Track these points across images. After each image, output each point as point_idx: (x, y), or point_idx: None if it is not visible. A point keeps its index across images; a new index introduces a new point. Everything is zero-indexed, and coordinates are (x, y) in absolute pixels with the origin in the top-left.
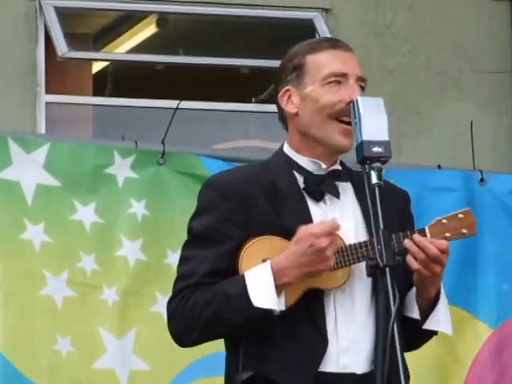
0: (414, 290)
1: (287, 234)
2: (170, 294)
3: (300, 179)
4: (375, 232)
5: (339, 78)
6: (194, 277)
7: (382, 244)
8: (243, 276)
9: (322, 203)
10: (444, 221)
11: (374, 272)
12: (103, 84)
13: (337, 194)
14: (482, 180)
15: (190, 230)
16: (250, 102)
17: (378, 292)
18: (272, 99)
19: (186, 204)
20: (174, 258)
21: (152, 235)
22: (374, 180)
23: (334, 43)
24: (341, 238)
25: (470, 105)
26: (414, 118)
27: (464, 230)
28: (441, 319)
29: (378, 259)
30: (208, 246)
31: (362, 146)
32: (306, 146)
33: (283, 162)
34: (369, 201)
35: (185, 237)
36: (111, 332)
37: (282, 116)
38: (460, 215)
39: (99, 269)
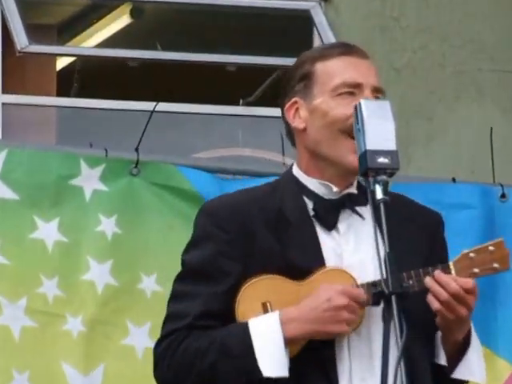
0: (439, 334)
1: (292, 270)
2: (143, 323)
3: (310, 205)
4: (378, 255)
5: (352, 89)
6: (187, 318)
7: (388, 268)
8: (247, 330)
9: (334, 232)
10: (471, 254)
11: (379, 301)
12: (69, 83)
13: (360, 215)
14: (503, 196)
15: (183, 263)
16: (238, 104)
17: (384, 323)
18: (280, 107)
19: (162, 221)
20: (148, 283)
21: (124, 256)
22: (379, 195)
23: (347, 49)
24: (351, 276)
25: (490, 109)
26: (425, 124)
27: (495, 265)
28: (473, 367)
29: (382, 286)
30: (202, 283)
31: (365, 156)
32: (315, 166)
33: (292, 185)
34: (372, 220)
35: (161, 258)
36: (75, 368)
37: (290, 132)
38: (490, 247)
39: (62, 295)
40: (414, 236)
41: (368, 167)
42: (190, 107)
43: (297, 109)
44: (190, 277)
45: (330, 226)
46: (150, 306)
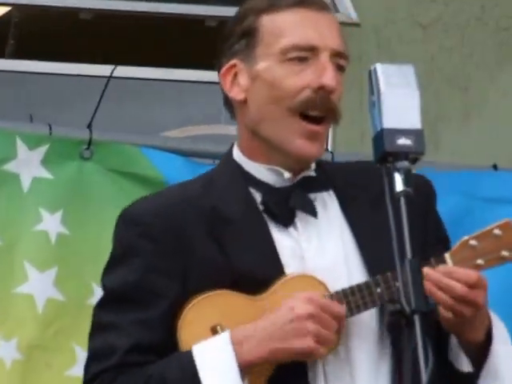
0: (453, 337)
1: (243, 282)
2: None
3: (257, 197)
4: (399, 262)
5: (305, 53)
6: (114, 356)
7: (410, 278)
8: (190, 353)
9: (291, 229)
10: (472, 242)
11: (396, 322)
12: (2, 40)
13: (312, 212)
14: None
15: (103, 287)
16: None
17: (401, 351)
18: (217, 70)
19: None
20: None
21: (71, 263)
22: (400, 187)
23: None
24: (323, 284)
25: None
26: (458, 96)
27: (504, 253)
28: (500, 369)
29: (402, 303)
30: (130, 309)
31: (381, 137)
32: (258, 148)
33: (232, 173)
34: (390, 216)
35: None
36: None
37: (228, 103)
38: (496, 231)
39: None
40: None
41: (385, 151)
42: (158, 72)
43: (235, 74)
44: (113, 303)
45: (286, 221)
46: None
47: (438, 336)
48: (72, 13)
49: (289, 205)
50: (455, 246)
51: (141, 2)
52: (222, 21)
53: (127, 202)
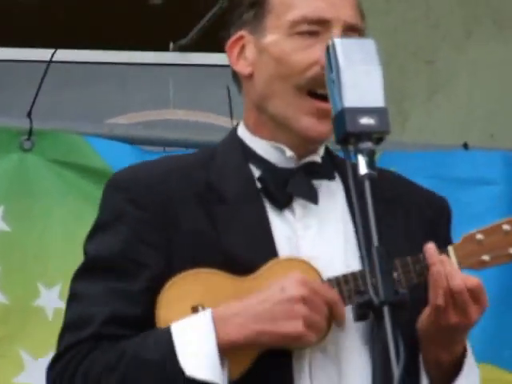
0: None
1: (231, 263)
2: (44, 353)
3: (257, 175)
4: (364, 249)
5: (315, 27)
6: (90, 326)
7: (377, 267)
8: (168, 330)
9: (287, 213)
10: (479, 236)
11: (366, 314)
12: None
13: (312, 198)
14: None
15: (85, 253)
16: (167, 49)
17: (372, 345)
18: (225, 42)
19: (66, 210)
20: (48, 298)
21: (14, 262)
22: (364, 170)
23: None
24: (315, 271)
25: None
26: (425, 70)
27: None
28: None
29: (370, 293)
30: (111, 278)
31: (342, 117)
32: (263, 124)
33: (235, 149)
34: (354, 201)
35: (66, 262)
36: None
37: (235, 76)
38: (505, 226)
39: None
40: (405, 224)
41: (347, 131)
42: (102, 55)
43: (243, 46)
44: (94, 271)
45: (281, 203)
46: (53, 330)
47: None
48: None
49: (286, 188)
50: (460, 239)
51: None
52: None
53: (74, 196)
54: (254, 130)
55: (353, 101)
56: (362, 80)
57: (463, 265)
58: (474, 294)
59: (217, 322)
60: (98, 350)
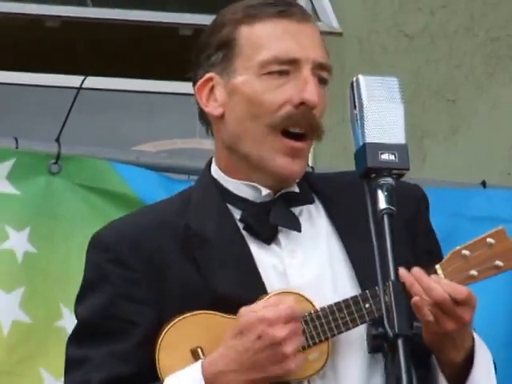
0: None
1: (222, 304)
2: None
3: (236, 214)
4: (381, 282)
5: (285, 67)
6: None
7: (393, 301)
8: None
9: (273, 245)
10: (465, 251)
11: (379, 345)
12: None
13: (295, 227)
14: None
15: (76, 317)
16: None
17: (387, 377)
18: (192, 83)
19: (90, 235)
20: (71, 319)
21: (38, 283)
22: (383, 204)
23: (282, 9)
24: (307, 299)
25: None
26: (446, 109)
27: (498, 262)
28: None
29: (385, 325)
30: (102, 340)
31: (364, 152)
32: (236, 165)
33: (210, 190)
34: (373, 236)
35: None
36: None
37: (203, 117)
38: (489, 240)
39: None
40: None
41: (368, 166)
42: (130, 83)
43: (212, 88)
44: (85, 335)
45: (267, 237)
46: None
47: (418, 357)
48: (39, 20)
49: (269, 221)
50: (446, 256)
51: (111, 9)
52: (198, 29)
53: (98, 220)
54: (227, 170)
55: (374, 137)
56: (384, 117)
57: (452, 281)
58: (464, 302)
59: (207, 377)
60: None
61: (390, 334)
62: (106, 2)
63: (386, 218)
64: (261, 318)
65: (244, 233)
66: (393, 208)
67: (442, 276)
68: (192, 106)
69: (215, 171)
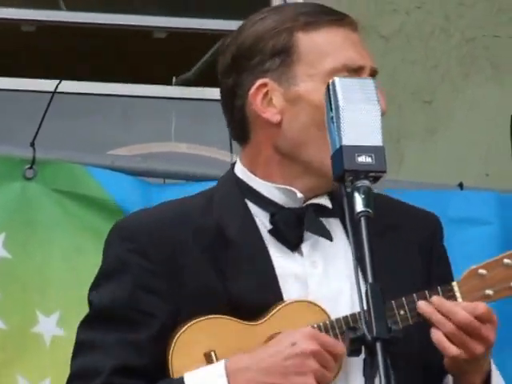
0: (449, 379)
1: (239, 308)
2: (41, 380)
3: (261, 216)
4: (357, 286)
5: (352, 74)
6: (98, 377)
7: (371, 304)
8: (182, 378)
9: (296, 253)
10: (481, 271)
11: (358, 349)
12: None
13: (327, 235)
14: None
15: (90, 303)
16: (170, 83)
17: (366, 380)
18: (228, 87)
19: (67, 241)
20: (47, 325)
21: (14, 289)
22: (360, 207)
23: (336, 17)
24: (323, 310)
25: (510, 89)
26: (422, 110)
27: None
28: None
29: (363, 329)
30: (117, 328)
31: (340, 155)
32: (282, 170)
33: (234, 191)
34: (350, 238)
35: (65, 291)
36: None
37: (243, 122)
38: (506, 260)
39: None
40: (400, 249)
41: (344, 169)
42: (105, 87)
43: (266, 93)
44: (99, 321)
45: (293, 244)
46: (50, 357)
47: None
48: (14, 24)
49: (303, 228)
50: (463, 274)
51: (85, 13)
52: (172, 32)
53: (74, 225)
54: (265, 175)
55: (351, 139)
56: (360, 119)
57: (467, 300)
58: (484, 318)
59: (230, 376)
60: None
61: (369, 337)
62: (80, 7)
63: (363, 220)
64: (301, 331)
65: (267, 236)
66: (370, 211)
67: (459, 293)
68: (167, 109)
69: (243, 173)
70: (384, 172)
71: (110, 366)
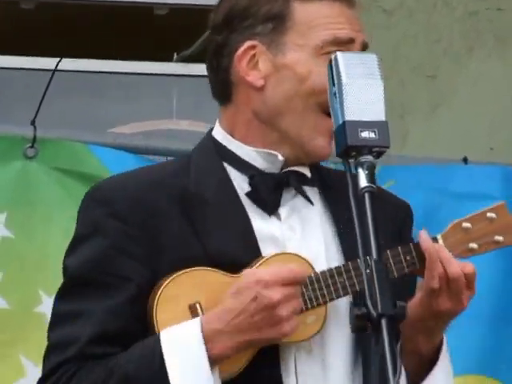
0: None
1: (218, 267)
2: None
3: (239, 179)
4: (363, 261)
5: (342, 48)
6: (75, 345)
7: (376, 280)
8: (158, 340)
9: (273, 217)
10: (466, 224)
11: (364, 326)
12: None
13: (308, 199)
14: None
15: (65, 270)
16: (171, 60)
17: (368, 358)
18: (216, 44)
19: (69, 219)
20: (49, 305)
21: (16, 269)
22: (364, 183)
23: None
24: (308, 263)
25: None
26: (425, 85)
27: (498, 237)
28: None
29: (368, 305)
30: (94, 294)
31: (343, 130)
32: (261, 135)
33: (212, 154)
34: (354, 215)
35: None
36: None
37: (226, 82)
38: (490, 214)
39: None
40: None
41: (348, 144)
42: (106, 64)
43: (253, 56)
44: (74, 288)
45: (271, 208)
46: None
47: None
48: (13, 2)
49: (281, 193)
50: (447, 227)
51: None
52: (173, 9)
53: (75, 204)
54: (244, 137)
55: (354, 114)
56: (363, 94)
57: (452, 253)
58: (469, 281)
59: (206, 340)
60: (85, 369)
61: (374, 314)
62: None
63: (367, 195)
64: (258, 280)
65: (244, 199)
66: (374, 186)
67: (443, 245)
68: (168, 86)
69: (222, 135)
70: (387, 147)
71: (85, 335)
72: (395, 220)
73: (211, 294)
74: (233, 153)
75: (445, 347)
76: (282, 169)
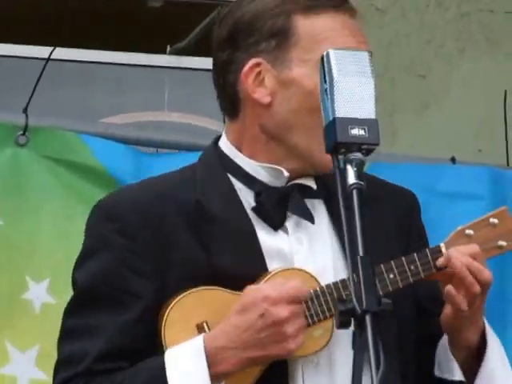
0: (444, 339)
1: (225, 282)
2: (30, 347)
3: (244, 192)
4: (350, 259)
5: None
6: (83, 362)
7: (361, 277)
8: (162, 360)
9: (281, 231)
10: (468, 231)
11: (348, 321)
12: None
13: (309, 217)
14: None
15: (74, 284)
16: (164, 52)
17: (355, 353)
18: (220, 61)
19: (58, 208)
20: (37, 292)
21: (4, 255)
22: (352, 179)
23: (337, 3)
24: (315, 279)
25: (505, 64)
26: (416, 84)
27: (501, 242)
28: (497, 375)
29: (354, 302)
30: (103, 309)
31: (333, 127)
32: (268, 150)
33: (217, 167)
34: (342, 211)
35: (56, 258)
36: None
37: (233, 98)
38: (493, 220)
39: None
40: (381, 221)
41: (337, 141)
42: (99, 55)
43: (258, 73)
44: (84, 303)
45: (278, 222)
46: (40, 324)
47: (420, 349)
48: None
49: (287, 207)
50: (450, 235)
51: None
52: (167, 1)
53: (65, 192)
54: (252, 153)
55: (344, 111)
56: (354, 91)
57: None
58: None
59: (209, 356)
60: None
61: (358, 310)
62: None
63: (355, 192)
64: (265, 297)
65: (250, 213)
66: (362, 183)
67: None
68: (160, 78)
69: (229, 149)
70: (377, 145)
71: (94, 351)
72: (404, 207)
73: (219, 313)
74: (239, 166)
75: (488, 327)
76: (287, 182)
